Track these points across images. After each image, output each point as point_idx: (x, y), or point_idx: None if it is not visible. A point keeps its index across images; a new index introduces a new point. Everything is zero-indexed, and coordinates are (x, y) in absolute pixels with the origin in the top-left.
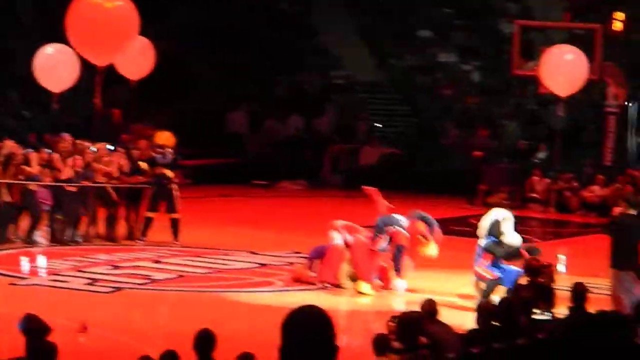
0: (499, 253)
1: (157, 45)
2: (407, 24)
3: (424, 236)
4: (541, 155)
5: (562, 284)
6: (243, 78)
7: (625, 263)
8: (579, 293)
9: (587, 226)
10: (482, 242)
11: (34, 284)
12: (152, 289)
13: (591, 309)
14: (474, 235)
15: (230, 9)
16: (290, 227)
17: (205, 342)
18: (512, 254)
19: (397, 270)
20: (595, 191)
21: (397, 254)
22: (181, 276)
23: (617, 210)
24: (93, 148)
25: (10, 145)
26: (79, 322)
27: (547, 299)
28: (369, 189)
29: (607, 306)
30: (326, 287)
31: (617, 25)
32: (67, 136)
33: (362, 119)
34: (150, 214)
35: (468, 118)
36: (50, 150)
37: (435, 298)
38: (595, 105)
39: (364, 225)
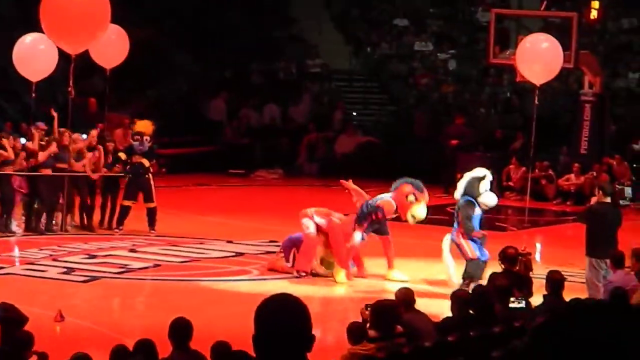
0: (464, 214)
1: (131, 33)
2: (384, 13)
3: (413, 194)
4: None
5: (538, 272)
6: (219, 66)
7: (600, 251)
8: (555, 281)
9: (563, 214)
10: (459, 202)
11: (8, 273)
12: (129, 278)
13: (567, 296)
14: (450, 224)
15: None
16: (267, 216)
17: (181, 330)
18: (469, 226)
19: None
20: (571, 179)
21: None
22: (157, 265)
23: (594, 199)
24: (84, 136)
25: None
26: (56, 312)
27: (522, 287)
28: (346, 183)
29: (583, 294)
30: (302, 276)
31: (593, 14)
32: (41, 124)
33: (338, 108)
34: (126, 203)
35: (444, 106)
36: (24, 140)
37: (412, 286)
38: (572, 94)
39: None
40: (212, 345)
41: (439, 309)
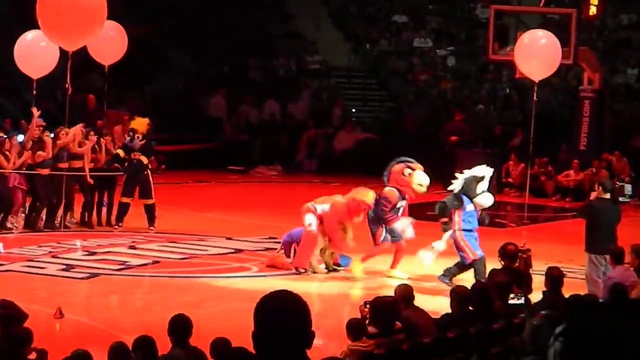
0: (448, 203)
1: (130, 30)
2: (382, 9)
3: (407, 168)
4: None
5: (537, 268)
6: (217, 63)
7: (600, 247)
8: (554, 277)
9: (562, 211)
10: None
11: (8, 270)
12: (128, 275)
13: (566, 293)
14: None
15: None
16: (266, 212)
17: (180, 327)
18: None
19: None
20: (571, 176)
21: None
22: (157, 262)
23: (593, 194)
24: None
25: None
26: (55, 308)
27: (522, 283)
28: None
29: (582, 290)
30: (301, 272)
31: (592, 10)
32: (40, 121)
33: (337, 104)
34: (125, 200)
35: (443, 103)
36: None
37: (411, 283)
38: (571, 90)
39: None
40: (212, 342)
41: (439, 305)
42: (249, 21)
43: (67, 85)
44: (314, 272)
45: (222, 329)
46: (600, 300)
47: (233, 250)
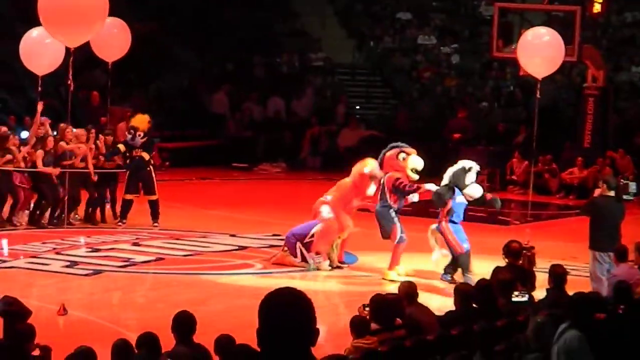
0: (442, 192)
1: (133, 26)
2: (387, 6)
3: (401, 152)
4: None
5: (541, 266)
6: (221, 60)
7: (604, 244)
8: (558, 275)
9: (566, 208)
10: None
11: (12, 267)
12: (132, 272)
13: (570, 290)
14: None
15: None
16: (270, 209)
17: (184, 324)
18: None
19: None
20: (575, 173)
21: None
22: (161, 259)
23: (597, 191)
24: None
25: None
26: (59, 305)
27: (525, 281)
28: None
29: (586, 288)
30: (317, 263)
31: (597, 8)
32: (45, 119)
33: (341, 102)
34: (129, 197)
35: (447, 100)
36: (26, 133)
37: (414, 280)
38: (575, 87)
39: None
40: (216, 339)
41: (442, 302)
42: (254, 19)
43: (69, 82)
44: (318, 269)
45: (226, 326)
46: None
47: (237, 247)
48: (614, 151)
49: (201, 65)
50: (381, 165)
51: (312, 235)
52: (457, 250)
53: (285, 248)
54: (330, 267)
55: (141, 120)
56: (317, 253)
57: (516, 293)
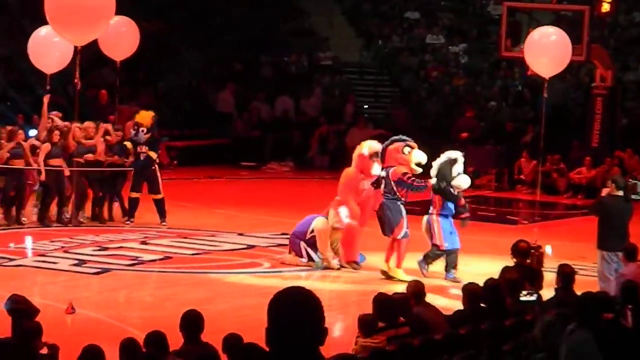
0: (446, 195)
1: (141, 25)
2: (395, 5)
3: (405, 146)
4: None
5: (549, 265)
6: (229, 59)
7: (612, 244)
8: (566, 275)
9: (574, 208)
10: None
11: (20, 265)
12: (140, 270)
13: (578, 290)
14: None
15: None
16: (278, 208)
17: (192, 323)
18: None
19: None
20: (583, 173)
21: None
22: (168, 257)
23: (605, 191)
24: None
25: None
26: (67, 304)
27: (533, 281)
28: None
29: (594, 287)
30: (356, 268)
31: (605, 7)
32: (56, 113)
33: (349, 101)
34: (134, 195)
35: (455, 99)
36: (34, 131)
37: (422, 279)
38: (583, 87)
39: None
40: (224, 338)
41: (450, 302)
42: (260, 18)
43: (76, 81)
44: (326, 268)
45: (234, 325)
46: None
47: (245, 246)
48: (622, 151)
49: (208, 64)
50: (383, 158)
51: (312, 231)
52: (436, 242)
53: (291, 251)
54: (339, 267)
55: (144, 116)
56: (349, 262)
57: (524, 292)
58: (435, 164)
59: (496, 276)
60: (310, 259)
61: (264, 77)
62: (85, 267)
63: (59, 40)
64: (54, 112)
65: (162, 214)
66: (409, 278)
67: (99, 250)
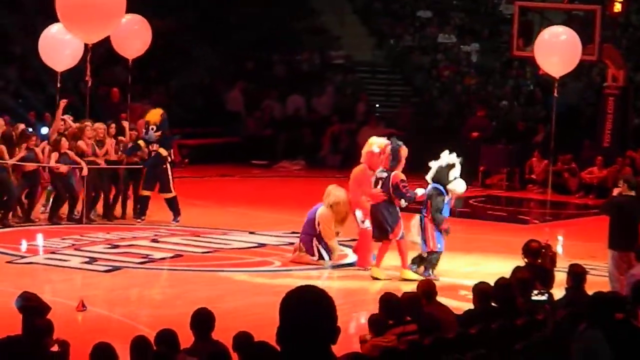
0: (434, 206)
1: (153, 23)
2: (407, 4)
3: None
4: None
5: (560, 265)
6: (241, 58)
7: (624, 244)
8: (577, 274)
9: (585, 208)
10: (428, 188)
11: (31, 262)
12: (150, 268)
13: (589, 290)
14: (473, 216)
15: None
16: (289, 207)
17: (203, 321)
18: (439, 219)
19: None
20: (594, 172)
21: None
22: (179, 255)
23: (616, 190)
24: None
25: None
26: (77, 301)
27: (544, 280)
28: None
29: (605, 287)
30: (367, 269)
31: (617, 7)
32: (67, 117)
33: (361, 99)
34: (145, 193)
35: (467, 98)
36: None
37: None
38: (595, 87)
39: None
40: (235, 336)
41: (460, 301)
42: (274, 16)
43: (87, 78)
44: (335, 267)
45: (244, 323)
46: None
47: (256, 245)
48: (634, 151)
49: (220, 62)
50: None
51: (319, 223)
52: (430, 246)
53: (303, 248)
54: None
55: (154, 114)
56: (364, 267)
57: (535, 292)
58: (433, 167)
59: (507, 276)
60: (320, 257)
61: (276, 75)
62: (96, 264)
63: (70, 38)
64: (66, 115)
65: (174, 212)
66: (419, 277)
67: (109, 248)
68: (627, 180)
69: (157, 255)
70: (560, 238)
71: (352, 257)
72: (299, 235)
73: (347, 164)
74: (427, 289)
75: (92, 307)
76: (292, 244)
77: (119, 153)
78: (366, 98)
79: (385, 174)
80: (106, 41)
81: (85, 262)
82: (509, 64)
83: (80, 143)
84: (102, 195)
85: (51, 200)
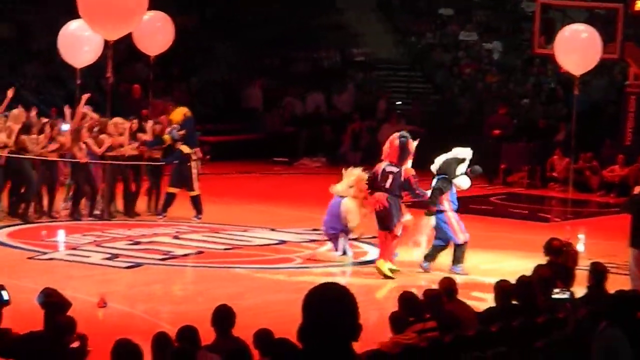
0: (437, 185)
1: (176, 20)
2: (429, 2)
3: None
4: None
5: (581, 263)
6: (262, 54)
7: None
8: (598, 273)
9: (607, 206)
10: (433, 181)
11: (53, 258)
12: (172, 265)
13: (610, 288)
14: (494, 214)
15: None
16: (310, 203)
17: (224, 318)
18: (434, 199)
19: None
20: (616, 171)
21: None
22: (201, 252)
23: (637, 189)
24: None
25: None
26: (98, 297)
27: (565, 278)
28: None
29: (626, 286)
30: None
31: (639, 5)
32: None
33: (382, 97)
34: (171, 190)
35: (488, 96)
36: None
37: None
38: (617, 85)
39: None
40: (255, 333)
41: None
42: (294, 13)
43: (108, 75)
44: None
45: (265, 320)
46: None
47: (277, 242)
48: None
49: (241, 59)
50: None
51: (345, 217)
52: (459, 239)
53: (328, 243)
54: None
55: (177, 113)
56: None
57: (556, 290)
58: (441, 158)
59: (528, 274)
60: (344, 252)
61: (297, 72)
62: (117, 261)
63: (89, 34)
64: (86, 107)
65: (197, 209)
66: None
67: (131, 244)
68: None
69: (179, 252)
70: (581, 236)
71: (372, 254)
72: (319, 232)
73: (368, 162)
74: (448, 287)
75: (113, 303)
76: (313, 241)
77: (139, 147)
78: (387, 95)
79: (395, 169)
80: (127, 38)
81: (107, 259)
82: (530, 62)
83: (104, 136)
84: (123, 189)
85: (70, 194)
